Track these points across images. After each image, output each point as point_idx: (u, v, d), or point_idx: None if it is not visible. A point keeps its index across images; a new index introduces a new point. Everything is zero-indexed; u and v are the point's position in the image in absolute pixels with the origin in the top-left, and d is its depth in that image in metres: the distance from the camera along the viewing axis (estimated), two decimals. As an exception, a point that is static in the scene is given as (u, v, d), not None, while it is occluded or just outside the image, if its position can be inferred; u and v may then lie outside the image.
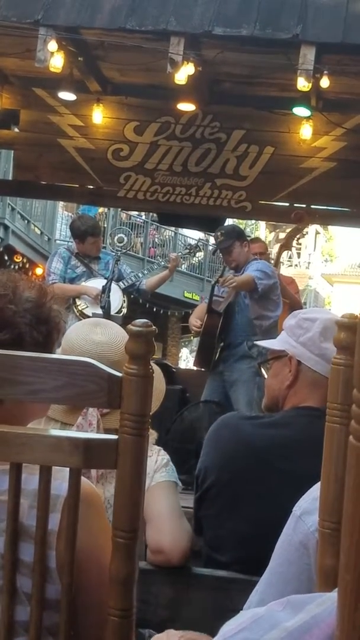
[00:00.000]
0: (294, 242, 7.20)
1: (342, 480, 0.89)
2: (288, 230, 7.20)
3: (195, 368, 7.36)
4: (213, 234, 7.28)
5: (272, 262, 7.20)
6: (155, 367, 1.79)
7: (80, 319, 6.44)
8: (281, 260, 7.69)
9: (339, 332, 1.30)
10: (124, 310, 6.77)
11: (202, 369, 6.72)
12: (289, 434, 2.28)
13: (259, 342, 2.93)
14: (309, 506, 1.62)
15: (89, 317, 6.44)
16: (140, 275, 7.12)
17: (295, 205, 7.35)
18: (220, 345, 6.43)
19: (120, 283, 6.82)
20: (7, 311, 1.67)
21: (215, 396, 6.34)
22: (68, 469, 1.38)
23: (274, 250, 7.19)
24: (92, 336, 2.28)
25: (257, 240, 7.94)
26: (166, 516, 2.21)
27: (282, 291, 6.54)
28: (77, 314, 6.64)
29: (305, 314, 2.38)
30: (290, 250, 7.60)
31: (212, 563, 2.28)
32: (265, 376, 2.58)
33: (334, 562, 1.12)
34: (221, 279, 6.28)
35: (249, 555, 2.14)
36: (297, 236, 7.15)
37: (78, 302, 6.71)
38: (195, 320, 6.60)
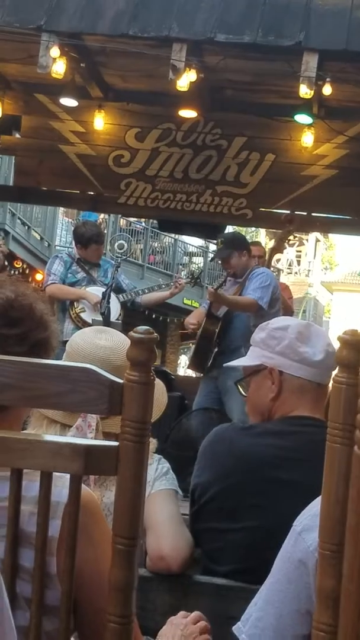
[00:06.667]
0: (286, 245, 7.13)
1: (343, 502, 0.88)
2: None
3: (193, 374, 7.34)
4: (214, 240, 7.26)
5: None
6: (158, 380, 1.79)
7: (76, 322, 6.51)
8: (273, 264, 7.63)
9: (340, 349, 1.26)
10: (120, 319, 6.77)
11: (199, 374, 6.71)
12: (283, 443, 2.27)
13: (229, 364, 2.89)
14: (309, 523, 1.61)
15: (85, 320, 6.52)
16: (140, 292, 7.10)
17: (296, 212, 7.34)
18: (215, 350, 6.41)
19: (120, 296, 6.81)
20: (36, 311, 1.65)
21: (208, 400, 6.34)
22: (68, 475, 1.38)
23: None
24: (97, 341, 2.29)
25: (256, 243, 7.90)
26: (166, 524, 2.20)
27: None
28: (73, 317, 6.65)
29: (273, 324, 2.38)
30: (282, 252, 7.55)
31: (210, 575, 2.27)
32: (244, 394, 2.56)
33: (334, 583, 1.10)
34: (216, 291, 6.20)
35: (249, 566, 2.13)
36: (288, 239, 7.08)
37: (76, 304, 6.71)
38: (192, 321, 6.61)
